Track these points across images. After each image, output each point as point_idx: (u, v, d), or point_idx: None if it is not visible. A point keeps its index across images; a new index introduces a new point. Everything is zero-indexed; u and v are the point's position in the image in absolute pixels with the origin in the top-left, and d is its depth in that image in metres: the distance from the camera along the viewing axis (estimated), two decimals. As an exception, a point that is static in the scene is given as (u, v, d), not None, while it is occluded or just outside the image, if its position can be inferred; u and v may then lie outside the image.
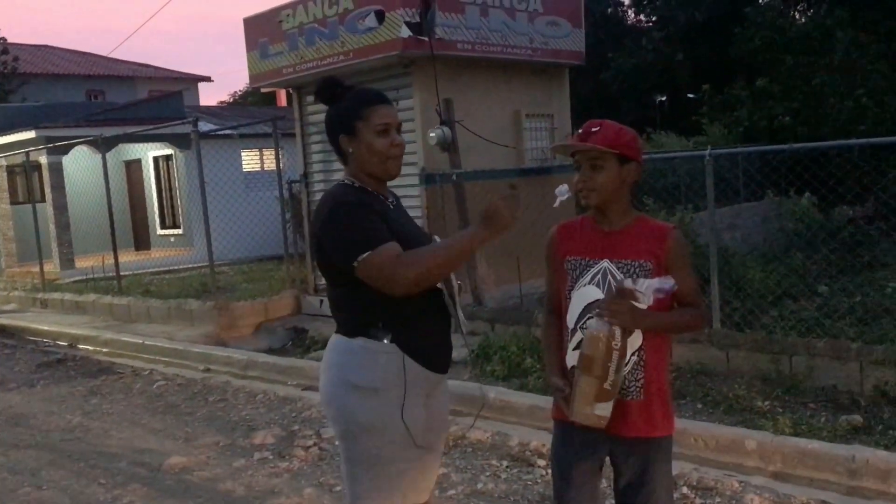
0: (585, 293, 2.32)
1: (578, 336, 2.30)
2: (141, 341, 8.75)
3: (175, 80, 29.95)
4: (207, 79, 32.03)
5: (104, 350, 8.92)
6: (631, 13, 24.95)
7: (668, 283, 2.17)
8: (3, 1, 61.97)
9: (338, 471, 4.41)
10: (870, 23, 14.91)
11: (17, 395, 7.07)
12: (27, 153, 14.04)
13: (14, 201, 16.83)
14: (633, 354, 2.27)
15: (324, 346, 2.67)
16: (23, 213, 15.29)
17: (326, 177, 9.35)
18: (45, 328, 10.35)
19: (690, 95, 19.91)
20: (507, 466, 4.49)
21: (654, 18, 23.30)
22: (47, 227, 14.67)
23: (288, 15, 8.97)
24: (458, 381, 5.84)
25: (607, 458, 2.41)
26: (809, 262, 8.27)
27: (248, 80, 10.40)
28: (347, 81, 2.45)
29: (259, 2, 9.68)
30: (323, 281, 2.97)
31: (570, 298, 2.36)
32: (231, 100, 39.14)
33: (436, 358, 2.39)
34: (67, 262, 14.72)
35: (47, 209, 14.86)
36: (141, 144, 16.18)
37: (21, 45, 27.72)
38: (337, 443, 2.48)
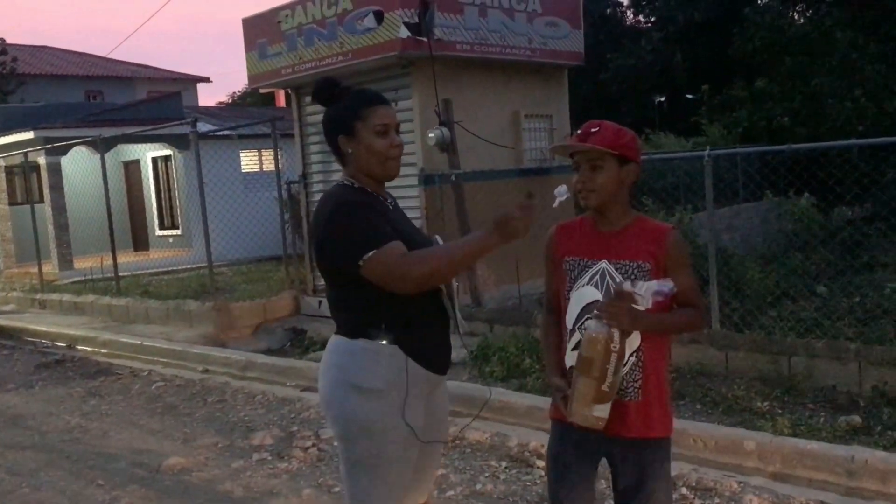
0: (584, 293, 2.32)
1: (577, 336, 2.30)
2: (139, 342, 8.74)
3: (174, 80, 29.95)
4: (206, 79, 32.04)
5: (103, 351, 8.91)
6: (630, 14, 24.98)
7: (667, 285, 2.17)
8: (1, 1, 61.97)
9: (337, 471, 4.40)
10: (869, 24, 14.92)
11: (16, 395, 7.06)
12: (26, 154, 14.03)
13: (12, 202, 16.83)
14: (631, 355, 2.26)
15: (323, 347, 2.66)
16: (21, 214, 15.28)
17: (325, 177, 9.35)
18: (44, 329, 10.33)
19: (689, 96, 19.95)
20: (506, 467, 4.48)
21: (652, 19, 23.32)
22: (46, 228, 14.66)
23: (287, 15, 8.97)
24: (458, 382, 5.84)
25: (604, 459, 2.41)
26: (808, 263, 8.28)
27: (246, 81, 10.40)
28: (345, 82, 2.45)
29: (258, 2, 9.69)
30: (322, 282, 2.97)
31: (568, 299, 2.36)
32: (230, 100, 39.15)
33: (436, 359, 2.39)
34: (66, 262, 14.71)
35: (46, 210, 14.86)
36: (140, 145, 16.18)
37: (20, 45, 27.72)
38: (336, 444, 2.47)
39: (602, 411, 2.20)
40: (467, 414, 5.17)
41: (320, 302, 9.05)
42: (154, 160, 17.42)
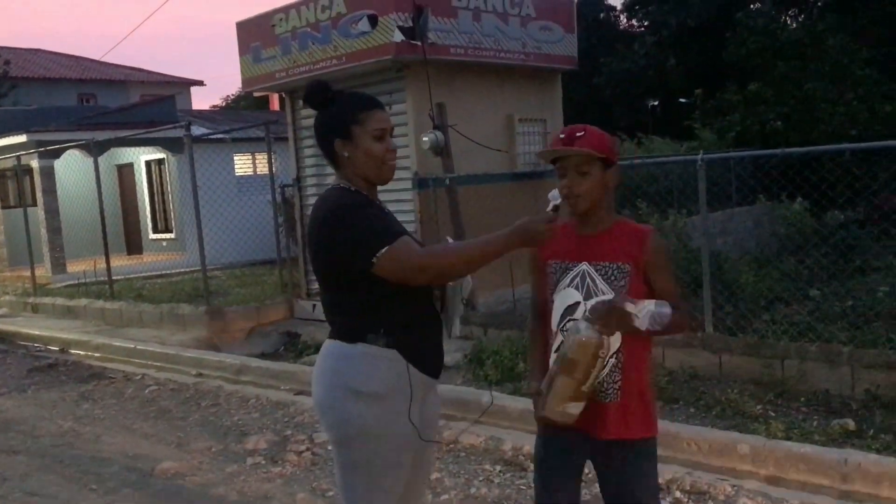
0: (566, 295, 2.36)
1: (560, 338, 2.33)
2: (133, 346, 8.71)
3: (167, 83, 29.88)
4: (200, 83, 31.94)
5: (96, 355, 8.87)
6: (623, 18, 25.09)
7: (664, 309, 2.21)
8: (-6, 4, 61.78)
9: (331, 476, 4.40)
10: (860, 28, 15.00)
11: (8, 400, 7.03)
12: (18, 157, 13.97)
13: (5, 205, 16.78)
14: (611, 357, 2.29)
15: (317, 351, 2.65)
16: (14, 218, 15.24)
17: (319, 181, 9.34)
18: (37, 333, 10.29)
19: (682, 100, 19.98)
20: (500, 471, 4.48)
21: (646, 23, 23.41)
22: (39, 232, 14.61)
23: (281, 19, 8.97)
24: (451, 386, 5.84)
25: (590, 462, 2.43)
26: (801, 267, 8.29)
27: (240, 85, 10.39)
28: (339, 86, 2.45)
29: (252, 6, 9.69)
30: (316, 285, 2.96)
31: (552, 301, 2.40)
32: (224, 104, 39.09)
33: (431, 362, 2.39)
34: (59, 266, 14.66)
35: (39, 213, 14.81)
36: (133, 148, 16.11)
37: (13, 48, 27.64)
38: (331, 448, 2.46)
39: (575, 409, 2.26)
40: (462, 418, 5.17)
41: (314, 305, 9.04)
42: (148, 163, 17.38)
